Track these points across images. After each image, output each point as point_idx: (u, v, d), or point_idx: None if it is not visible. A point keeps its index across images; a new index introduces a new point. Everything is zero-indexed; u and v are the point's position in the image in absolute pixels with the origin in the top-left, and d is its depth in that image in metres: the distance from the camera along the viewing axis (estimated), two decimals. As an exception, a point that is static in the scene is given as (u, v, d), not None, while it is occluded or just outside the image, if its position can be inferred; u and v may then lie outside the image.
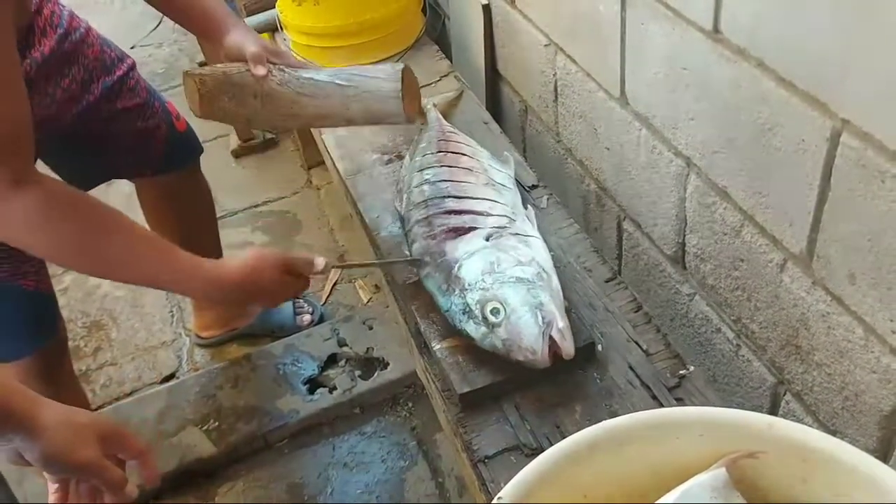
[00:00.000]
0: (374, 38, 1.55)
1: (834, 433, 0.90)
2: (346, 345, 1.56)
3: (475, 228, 1.01)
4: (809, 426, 0.94)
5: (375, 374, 1.47)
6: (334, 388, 1.46)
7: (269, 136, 2.31)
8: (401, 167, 1.24)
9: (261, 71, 1.06)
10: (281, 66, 1.08)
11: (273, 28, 1.70)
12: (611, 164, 1.22)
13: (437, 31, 1.78)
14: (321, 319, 1.68)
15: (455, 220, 1.03)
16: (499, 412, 0.93)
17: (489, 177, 1.11)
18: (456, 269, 0.98)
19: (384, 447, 1.39)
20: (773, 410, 1.01)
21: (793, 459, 0.72)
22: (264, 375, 1.49)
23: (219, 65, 1.08)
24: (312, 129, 1.50)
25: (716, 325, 1.08)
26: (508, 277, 0.94)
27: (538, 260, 0.96)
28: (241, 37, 1.09)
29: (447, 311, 0.97)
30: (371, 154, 1.31)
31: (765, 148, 0.86)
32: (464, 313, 0.95)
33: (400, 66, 1.08)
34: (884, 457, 0.84)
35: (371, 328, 1.58)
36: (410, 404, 1.44)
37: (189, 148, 1.42)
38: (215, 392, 1.47)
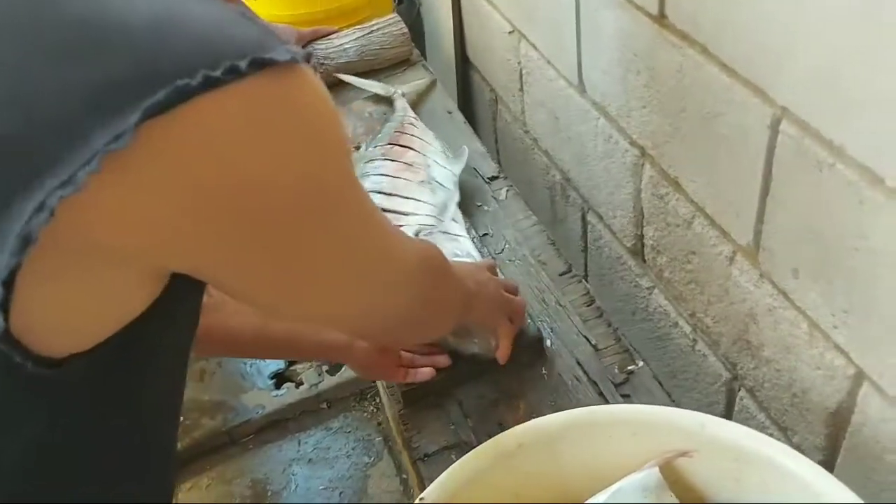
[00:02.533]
0: (342, 27, 1.52)
1: (785, 430, 0.87)
2: (316, 339, 1.54)
3: (400, 226, 0.99)
4: (762, 423, 0.92)
5: (342, 369, 1.45)
6: (301, 382, 1.44)
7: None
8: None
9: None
10: (321, 61, 1.39)
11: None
12: (572, 154, 1.19)
13: (412, 19, 1.75)
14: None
15: None
16: (440, 409, 0.91)
17: (429, 174, 1.09)
18: None
19: (349, 443, 1.37)
20: (728, 406, 0.98)
21: (725, 459, 0.70)
22: (230, 370, 1.48)
23: None
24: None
25: (673, 320, 1.05)
26: None
27: (473, 254, 0.94)
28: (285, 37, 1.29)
29: None
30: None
31: (710, 136, 0.83)
32: None
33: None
34: (831, 455, 0.81)
35: (340, 323, 1.56)
36: (377, 400, 1.42)
37: None
38: (180, 387, 1.46)
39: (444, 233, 0.99)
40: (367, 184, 1.07)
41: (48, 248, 0.36)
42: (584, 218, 1.24)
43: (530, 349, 0.92)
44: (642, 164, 1.00)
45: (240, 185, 0.39)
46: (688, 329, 1.02)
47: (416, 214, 1.01)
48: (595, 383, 0.90)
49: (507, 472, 0.73)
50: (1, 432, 0.45)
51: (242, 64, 0.37)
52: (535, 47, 1.21)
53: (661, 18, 0.85)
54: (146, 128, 0.35)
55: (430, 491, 0.70)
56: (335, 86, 1.44)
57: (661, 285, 1.05)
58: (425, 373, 0.88)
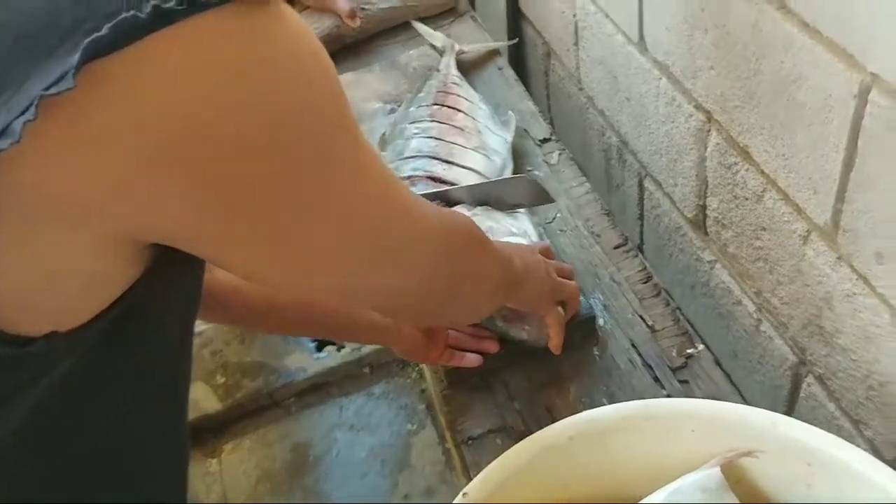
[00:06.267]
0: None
1: (857, 423, 0.81)
2: (359, 302, 1.51)
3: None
4: (832, 413, 0.86)
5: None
6: (342, 346, 1.42)
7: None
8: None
9: (357, 23, 1.35)
10: (363, 6, 1.37)
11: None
12: (631, 117, 1.12)
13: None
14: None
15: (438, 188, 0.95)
16: (486, 391, 0.86)
17: (482, 140, 1.02)
18: None
19: (392, 409, 1.35)
20: (793, 392, 0.92)
21: (797, 462, 0.65)
22: (272, 332, 1.45)
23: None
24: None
25: (737, 297, 0.98)
26: None
27: (529, 232, 0.88)
28: None
29: None
30: (374, 103, 1.23)
31: (788, 103, 0.75)
32: None
33: None
34: (910, 455, 0.75)
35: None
36: (420, 366, 1.39)
37: None
38: (222, 348, 1.45)
39: (502, 206, 0.93)
40: (417, 144, 1.01)
41: None
42: (640, 184, 1.16)
43: (582, 329, 0.87)
44: (708, 131, 0.92)
45: (198, 136, 0.34)
46: (752, 308, 0.95)
47: (475, 187, 0.96)
48: (651, 367, 0.85)
49: (555, 466, 0.69)
50: None
51: None
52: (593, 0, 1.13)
53: (736, -30, 0.77)
54: (89, 69, 0.30)
55: (474, 485, 0.67)
56: (373, 36, 1.39)
57: (725, 260, 0.98)
58: (472, 359, 0.83)
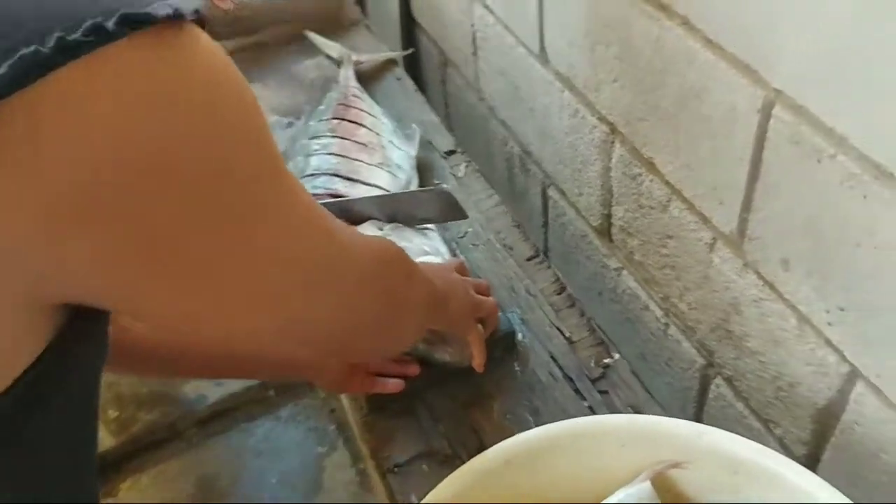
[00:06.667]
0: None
1: (766, 422, 0.84)
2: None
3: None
4: (741, 412, 0.89)
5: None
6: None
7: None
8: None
9: (228, 5, 1.21)
10: None
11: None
12: (534, 127, 1.12)
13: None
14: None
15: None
16: (409, 415, 0.84)
17: (385, 155, 1.00)
18: None
19: (300, 432, 1.30)
20: (702, 393, 0.95)
21: (724, 472, 0.67)
22: (168, 359, 1.38)
23: None
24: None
25: (644, 303, 1.00)
26: None
27: (441, 251, 0.87)
28: None
29: None
30: (270, 115, 1.18)
31: (692, 116, 0.77)
32: None
33: None
34: (816, 449, 0.78)
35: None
36: (328, 385, 1.35)
37: None
38: (115, 379, 1.36)
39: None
40: (318, 161, 0.97)
41: None
42: (544, 193, 1.17)
43: (503, 344, 0.87)
44: (612, 142, 0.94)
45: (106, 182, 0.31)
46: (659, 313, 0.98)
47: (379, 204, 0.93)
48: (571, 379, 0.85)
49: (492, 490, 0.69)
50: None
51: (109, 23, 0.29)
52: (490, 10, 1.13)
53: (637, -14, 0.78)
54: None
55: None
56: (266, 46, 1.34)
57: (632, 267, 1.00)
58: (394, 384, 0.82)
